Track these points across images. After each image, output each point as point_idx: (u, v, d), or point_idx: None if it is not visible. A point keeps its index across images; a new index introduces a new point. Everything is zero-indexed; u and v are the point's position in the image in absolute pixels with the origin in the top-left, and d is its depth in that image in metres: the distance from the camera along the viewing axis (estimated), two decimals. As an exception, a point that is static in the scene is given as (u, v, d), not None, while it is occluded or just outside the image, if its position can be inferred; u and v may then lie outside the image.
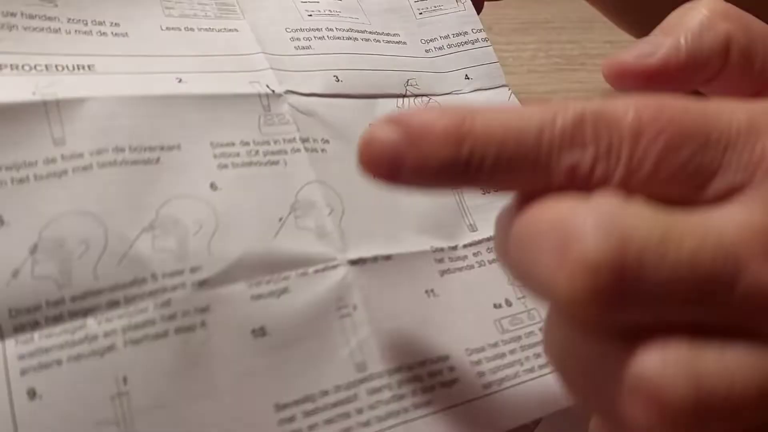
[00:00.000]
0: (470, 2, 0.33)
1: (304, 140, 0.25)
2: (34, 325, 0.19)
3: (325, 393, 0.21)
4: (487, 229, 0.27)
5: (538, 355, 0.25)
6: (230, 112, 0.24)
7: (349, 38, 0.30)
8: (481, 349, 0.24)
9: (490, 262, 0.26)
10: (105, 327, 0.20)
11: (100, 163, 0.21)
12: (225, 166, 0.23)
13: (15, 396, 0.18)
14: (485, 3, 0.35)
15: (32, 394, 0.18)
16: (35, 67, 0.22)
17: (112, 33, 0.25)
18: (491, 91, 0.32)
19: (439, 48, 0.32)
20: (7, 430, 0.18)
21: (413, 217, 0.26)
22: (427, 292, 0.25)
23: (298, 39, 0.29)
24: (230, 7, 0.28)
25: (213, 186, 0.23)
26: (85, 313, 0.19)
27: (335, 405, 0.21)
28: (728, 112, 0.15)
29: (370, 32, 0.31)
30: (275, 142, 0.25)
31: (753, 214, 0.14)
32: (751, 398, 0.14)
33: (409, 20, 0.32)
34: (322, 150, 0.26)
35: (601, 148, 0.15)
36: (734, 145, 0.15)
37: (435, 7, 0.33)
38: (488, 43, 0.32)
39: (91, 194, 0.21)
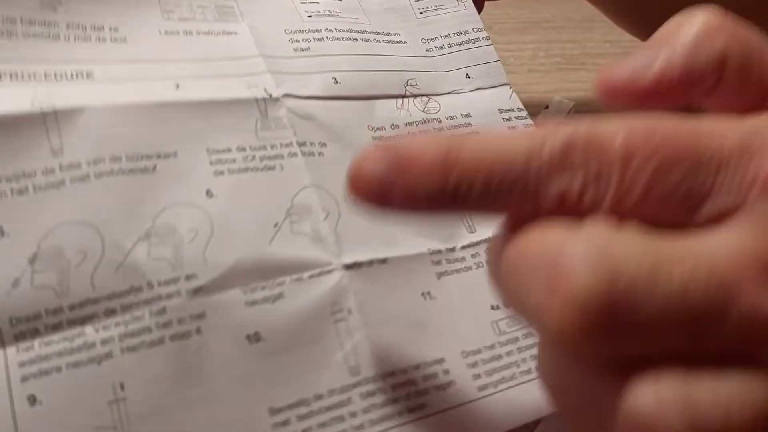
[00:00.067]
0: (471, 1, 0.33)
1: (301, 144, 0.25)
2: (34, 333, 0.20)
3: (319, 397, 0.22)
4: (485, 230, 0.27)
5: (535, 357, 0.25)
6: (227, 118, 0.25)
7: (348, 39, 0.30)
8: (477, 351, 0.24)
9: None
10: (102, 335, 0.20)
11: (97, 173, 0.22)
12: (221, 173, 0.23)
13: (16, 402, 0.19)
14: (485, 2, 0.34)
15: (32, 400, 0.19)
16: (34, 75, 0.23)
17: (110, 38, 0.25)
18: (492, 89, 0.31)
19: (440, 47, 0.32)
20: (9, 436, 0.19)
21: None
22: (423, 294, 0.25)
23: (297, 41, 0.29)
24: (229, 9, 0.28)
25: (209, 193, 0.23)
26: (83, 321, 0.20)
27: (329, 409, 0.22)
28: (720, 131, 0.15)
29: (369, 32, 0.31)
30: (272, 146, 0.25)
31: (745, 238, 0.14)
32: (747, 427, 0.13)
33: (410, 20, 0.32)
34: (320, 153, 0.26)
35: (591, 173, 0.15)
36: (726, 166, 0.15)
37: (435, 6, 0.32)
38: (489, 42, 0.32)
39: (88, 204, 0.21)
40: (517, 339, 0.25)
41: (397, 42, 0.31)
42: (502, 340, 0.25)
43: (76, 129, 0.22)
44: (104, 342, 0.20)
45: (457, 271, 0.26)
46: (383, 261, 0.24)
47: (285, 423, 0.21)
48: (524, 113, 0.31)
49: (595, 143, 0.15)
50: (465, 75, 0.31)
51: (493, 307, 0.26)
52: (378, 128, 0.28)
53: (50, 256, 0.20)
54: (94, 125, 0.22)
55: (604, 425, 0.14)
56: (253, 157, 0.24)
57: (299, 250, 0.23)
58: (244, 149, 0.24)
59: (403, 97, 0.29)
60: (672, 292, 0.13)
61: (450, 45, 0.32)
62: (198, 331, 0.21)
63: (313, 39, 0.29)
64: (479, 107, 0.31)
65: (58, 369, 0.19)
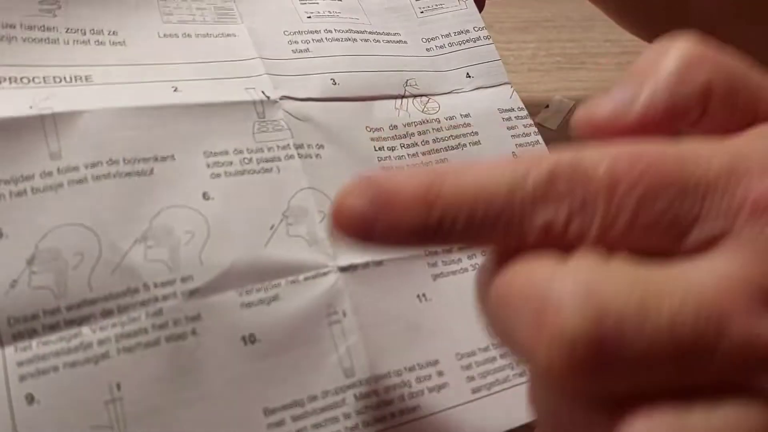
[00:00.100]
0: (472, 0, 0.33)
1: (298, 146, 0.26)
2: (32, 333, 0.20)
3: (313, 398, 0.22)
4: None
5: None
6: (224, 121, 0.25)
7: (347, 39, 0.30)
8: (472, 354, 0.25)
9: (485, 265, 0.26)
10: (99, 335, 0.20)
11: (95, 176, 0.22)
12: (218, 175, 0.24)
13: (14, 401, 0.19)
14: (486, 1, 0.34)
15: (30, 399, 0.19)
16: (33, 79, 0.23)
17: (110, 42, 0.25)
18: (493, 89, 0.31)
19: (440, 47, 0.32)
20: (7, 435, 0.19)
21: None
22: (418, 296, 0.25)
23: (296, 42, 0.29)
24: (229, 11, 0.29)
25: (206, 195, 0.23)
26: (81, 321, 0.20)
27: (323, 409, 0.22)
28: (706, 156, 0.15)
29: (369, 32, 0.31)
30: (269, 149, 0.25)
31: (734, 265, 0.14)
32: None
33: (410, 19, 0.32)
34: (317, 155, 0.26)
35: (575, 203, 0.15)
36: (713, 191, 0.14)
37: (436, 5, 0.32)
38: (490, 41, 0.32)
39: (85, 207, 0.21)
40: (512, 340, 0.25)
41: (397, 42, 0.31)
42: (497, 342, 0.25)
43: (75, 132, 0.22)
44: (101, 342, 0.20)
45: (453, 273, 0.26)
46: (379, 263, 0.25)
47: (279, 423, 0.21)
48: (524, 113, 0.31)
49: (579, 172, 0.15)
50: (465, 74, 0.31)
51: (489, 309, 0.26)
52: (376, 129, 0.28)
53: (48, 258, 0.20)
54: (93, 128, 0.22)
55: None
56: (250, 160, 0.24)
57: (295, 252, 0.23)
58: (241, 152, 0.24)
59: (403, 97, 0.29)
60: (661, 327, 0.13)
61: (451, 44, 0.32)
62: (194, 332, 0.21)
63: (312, 40, 0.29)
64: (479, 107, 0.30)
65: (56, 369, 0.20)
